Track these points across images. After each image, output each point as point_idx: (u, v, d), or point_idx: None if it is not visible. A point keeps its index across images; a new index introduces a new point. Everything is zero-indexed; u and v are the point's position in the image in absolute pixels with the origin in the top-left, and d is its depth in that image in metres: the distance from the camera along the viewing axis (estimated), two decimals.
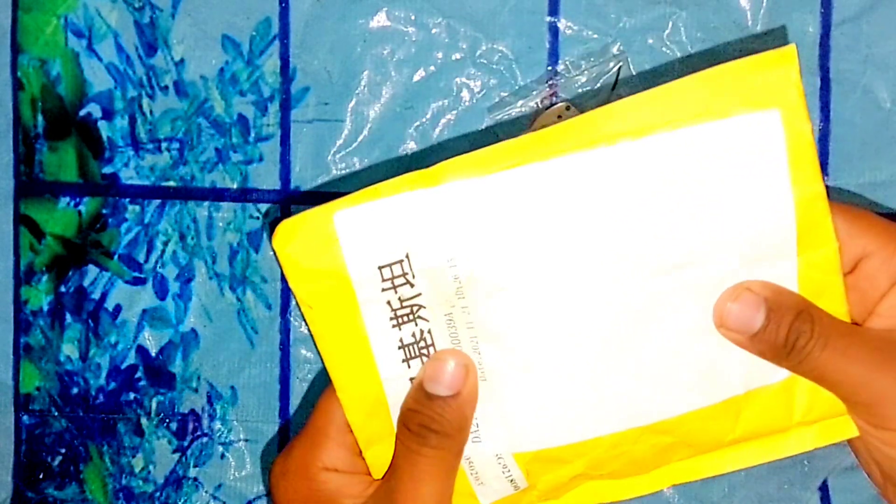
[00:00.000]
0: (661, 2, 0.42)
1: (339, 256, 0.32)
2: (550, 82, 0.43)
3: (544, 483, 0.35)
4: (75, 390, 0.45)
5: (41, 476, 0.46)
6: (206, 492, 0.45)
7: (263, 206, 0.44)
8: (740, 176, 0.31)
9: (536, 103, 0.43)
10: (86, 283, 0.45)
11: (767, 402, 0.33)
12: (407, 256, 0.32)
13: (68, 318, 0.45)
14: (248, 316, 0.45)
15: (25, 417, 0.46)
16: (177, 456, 0.45)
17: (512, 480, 0.35)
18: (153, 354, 0.45)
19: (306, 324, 0.45)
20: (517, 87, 0.43)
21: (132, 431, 0.45)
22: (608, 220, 0.31)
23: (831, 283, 0.32)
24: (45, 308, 0.45)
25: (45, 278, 0.45)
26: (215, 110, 0.44)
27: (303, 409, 0.45)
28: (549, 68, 0.43)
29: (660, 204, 0.31)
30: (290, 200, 0.44)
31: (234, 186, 0.44)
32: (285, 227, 0.32)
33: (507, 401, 0.33)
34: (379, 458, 0.34)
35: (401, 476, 0.33)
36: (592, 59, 0.43)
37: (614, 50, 0.43)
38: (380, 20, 0.43)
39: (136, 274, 0.45)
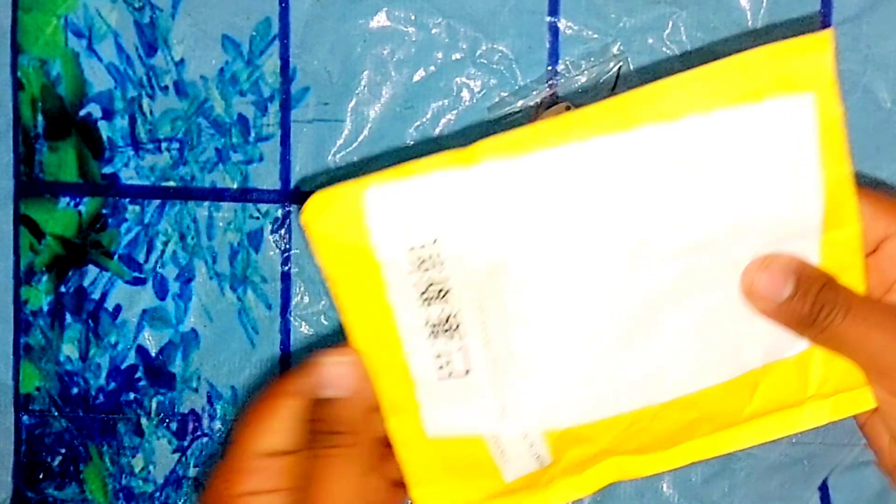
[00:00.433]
0: (661, 2, 0.42)
1: (368, 234, 0.32)
2: (550, 82, 0.43)
3: (568, 459, 0.35)
4: (75, 390, 0.45)
5: (41, 476, 0.46)
6: None
7: (263, 206, 0.44)
8: (771, 157, 0.31)
9: (536, 103, 0.43)
10: (86, 283, 0.45)
11: (783, 376, 0.34)
12: (439, 237, 0.32)
13: (68, 318, 0.45)
14: (248, 316, 0.45)
15: (25, 417, 0.46)
16: (177, 456, 0.45)
17: (538, 457, 0.35)
18: (153, 354, 0.45)
19: (307, 324, 0.45)
20: (517, 87, 0.43)
21: (132, 431, 0.45)
22: (641, 202, 0.32)
23: (853, 262, 0.33)
24: (45, 308, 0.45)
25: (45, 278, 0.45)
26: (215, 110, 0.44)
27: None
28: (549, 68, 0.43)
29: (693, 185, 0.31)
30: (290, 200, 0.44)
31: (234, 186, 0.44)
32: (316, 200, 0.32)
33: (535, 381, 0.34)
34: (401, 428, 0.35)
35: (315, 479, 0.34)
36: (592, 59, 0.43)
37: (614, 50, 0.43)
38: (380, 20, 0.43)
39: (136, 274, 0.45)
